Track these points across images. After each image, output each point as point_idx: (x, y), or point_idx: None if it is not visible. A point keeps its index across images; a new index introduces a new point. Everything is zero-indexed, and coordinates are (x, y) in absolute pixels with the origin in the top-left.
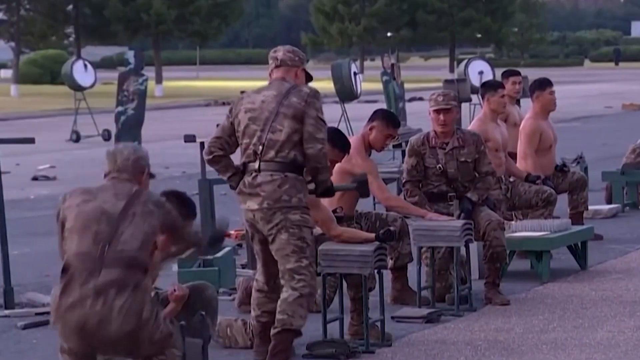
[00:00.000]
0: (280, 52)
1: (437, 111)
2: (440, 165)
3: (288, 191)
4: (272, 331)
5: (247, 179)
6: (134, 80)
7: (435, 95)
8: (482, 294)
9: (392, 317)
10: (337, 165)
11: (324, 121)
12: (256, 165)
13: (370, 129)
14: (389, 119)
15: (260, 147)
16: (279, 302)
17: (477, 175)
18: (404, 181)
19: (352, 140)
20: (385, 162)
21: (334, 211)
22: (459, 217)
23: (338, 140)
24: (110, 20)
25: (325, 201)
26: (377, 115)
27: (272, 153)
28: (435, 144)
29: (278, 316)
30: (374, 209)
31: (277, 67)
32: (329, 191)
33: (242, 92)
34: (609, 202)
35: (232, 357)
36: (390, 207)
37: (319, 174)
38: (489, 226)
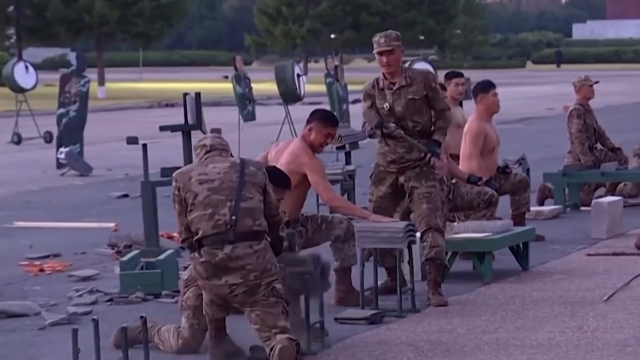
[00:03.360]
0: (208, 139)
1: (380, 53)
2: (387, 104)
3: (271, 259)
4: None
5: (222, 252)
6: (76, 82)
7: (377, 38)
8: (425, 294)
9: (336, 319)
10: (284, 166)
11: None
12: (230, 236)
13: (310, 130)
14: (327, 118)
15: (234, 217)
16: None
17: (434, 113)
18: (363, 123)
19: (295, 142)
20: (329, 163)
21: None
22: (427, 156)
23: (278, 178)
24: (52, 21)
25: None
26: (314, 115)
27: (249, 222)
28: (384, 85)
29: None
30: (318, 211)
31: (207, 152)
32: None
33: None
34: (541, 203)
35: None
36: (334, 207)
37: (281, 239)
38: (426, 229)
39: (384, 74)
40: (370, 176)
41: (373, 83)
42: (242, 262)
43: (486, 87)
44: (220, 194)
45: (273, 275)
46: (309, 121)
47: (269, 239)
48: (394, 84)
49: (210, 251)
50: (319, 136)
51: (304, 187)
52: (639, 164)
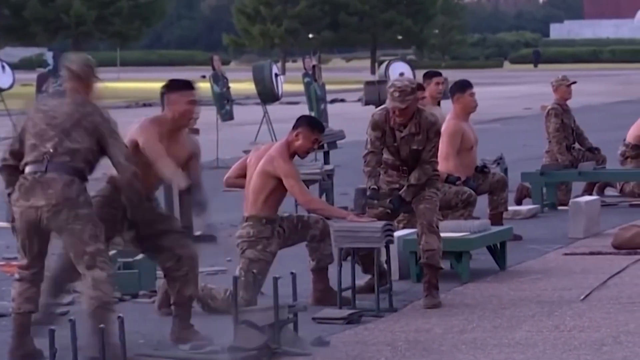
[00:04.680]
0: (74, 65)
1: (393, 108)
2: (396, 144)
3: (79, 192)
4: (90, 309)
5: (32, 177)
6: (53, 82)
7: (392, 89)
8: (404, 294)
9: (313, 319)
10: (259, 167)
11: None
12: (43, 167)
13: (297, 135)
14: (314, 124)
15: (52, 150)
16: (89, 282)
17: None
18: (366, 152)
19: (277, 145)
20: (307, 163)
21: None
22: (390, 209)
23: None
24: (29, 21)
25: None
26: (302, 122)
27: (66, 158)
28: (394, 125)
29: (93, 293)
30: (296, 211)
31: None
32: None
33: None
34: (519, 203)
35: None
36: (311, 209)
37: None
38: (421, 229)
39: None
40: (372, 197)
41: (385, 116)
42: (48, 187)
43: (463, 87)
44: (53, 128)
45: (79, 206)
46: (295, 127)
47: (86, 181)
48: (405, 126)
49: (24, 176)
50: (306, 142)
51: (282, 189)
52: (633, 164)
